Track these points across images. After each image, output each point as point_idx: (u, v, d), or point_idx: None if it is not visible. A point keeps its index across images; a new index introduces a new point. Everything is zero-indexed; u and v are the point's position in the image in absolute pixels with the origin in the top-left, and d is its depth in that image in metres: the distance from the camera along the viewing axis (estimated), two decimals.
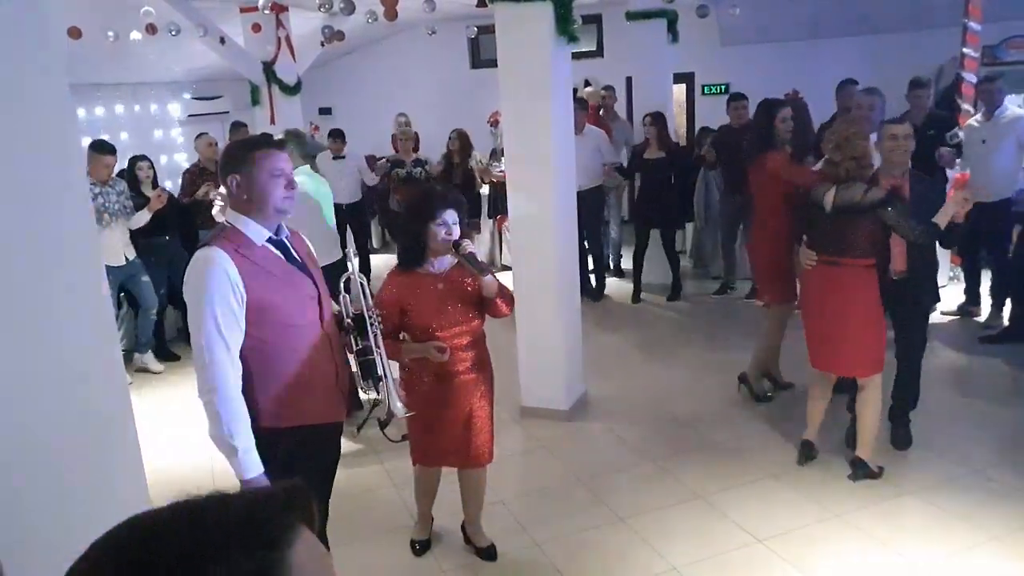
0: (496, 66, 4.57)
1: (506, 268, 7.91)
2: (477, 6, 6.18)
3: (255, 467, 2.23)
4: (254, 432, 2.28)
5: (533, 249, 4.63)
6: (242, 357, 2.27)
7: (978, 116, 5.65)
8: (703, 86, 10.23)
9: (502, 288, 3.11)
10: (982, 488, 3.74)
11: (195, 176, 6.53)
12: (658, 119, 6.77)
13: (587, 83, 9.19)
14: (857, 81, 6.43)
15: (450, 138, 7.56)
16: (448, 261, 3.07)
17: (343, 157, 7.54)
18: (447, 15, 9.06)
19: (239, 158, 2.31)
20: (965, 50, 6.82)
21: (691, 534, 3.53)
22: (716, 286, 7.24)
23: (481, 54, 11.40)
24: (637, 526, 3.62)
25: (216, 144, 6.61)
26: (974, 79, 6.86)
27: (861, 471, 3.84)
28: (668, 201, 6.84)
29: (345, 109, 11.78)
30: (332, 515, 2.67)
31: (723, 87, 10.02)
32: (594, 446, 4.48)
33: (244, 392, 2.30)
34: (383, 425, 2.78)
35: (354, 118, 10.81)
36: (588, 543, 3.53)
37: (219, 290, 2.19)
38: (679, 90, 10.28)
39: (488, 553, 3.46)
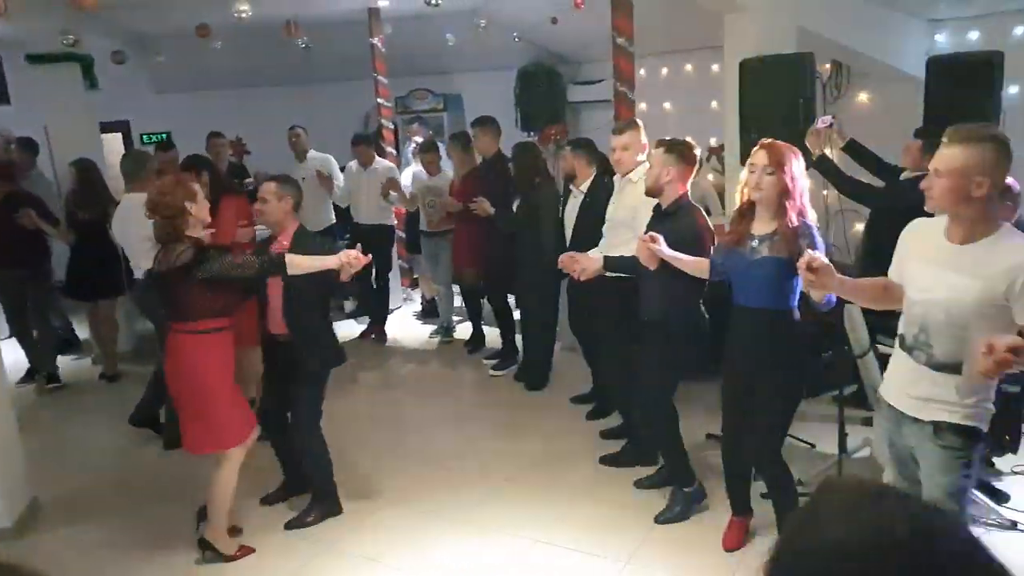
0: None
1: None
2: None
3: None
4: None
5: None
6: None
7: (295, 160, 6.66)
8: (142, 135, 9.63)
9: None
10: (441, 480, 4.23)
11: None
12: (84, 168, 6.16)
13: None
14: (222, 133, 6.75)
15: None
16: None
17: None
18: None
19: None
20: (380, 100, 7.76)
21: None
22: None
23: None
24: None
25: None
26: (391, 125, 7.84)
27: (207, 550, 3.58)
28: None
29: None
30: None
31: (164, 135, 9.57)
32: (56, 563, 3.75)
33: None
34: None
35: None
36: None
37: None
38: (115, 139, 9.50)
39: None
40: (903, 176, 4.52)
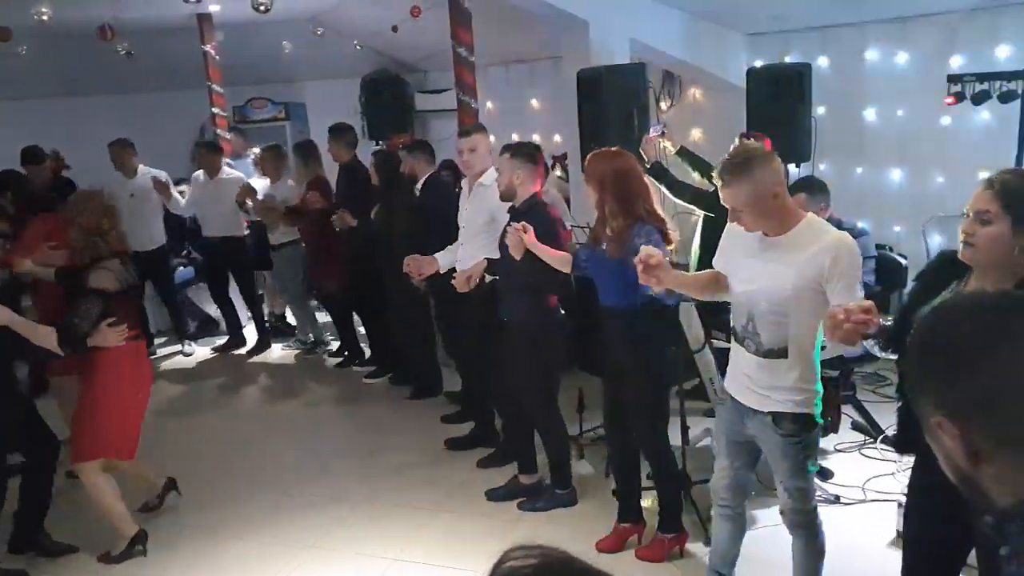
0: None
1: None
2: None
3: None
4: None
5: None
6: None
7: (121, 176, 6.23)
8: None
9: None
10: (288, 504, 4.04)
11: None
12: None
13: None
14: (39, 152, 6.12)
15: None
16: None
17: None
18: None
19: None
20: (214, 110, 7.37)
21: None
22: None
23: None
24: None
25: None
26: (227, 135, 7.47)
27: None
28: None
29: None
30: None
31: None
32: None
33: None
34: None
35: None
36: None
37: None
38: None
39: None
40: None
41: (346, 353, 6.23)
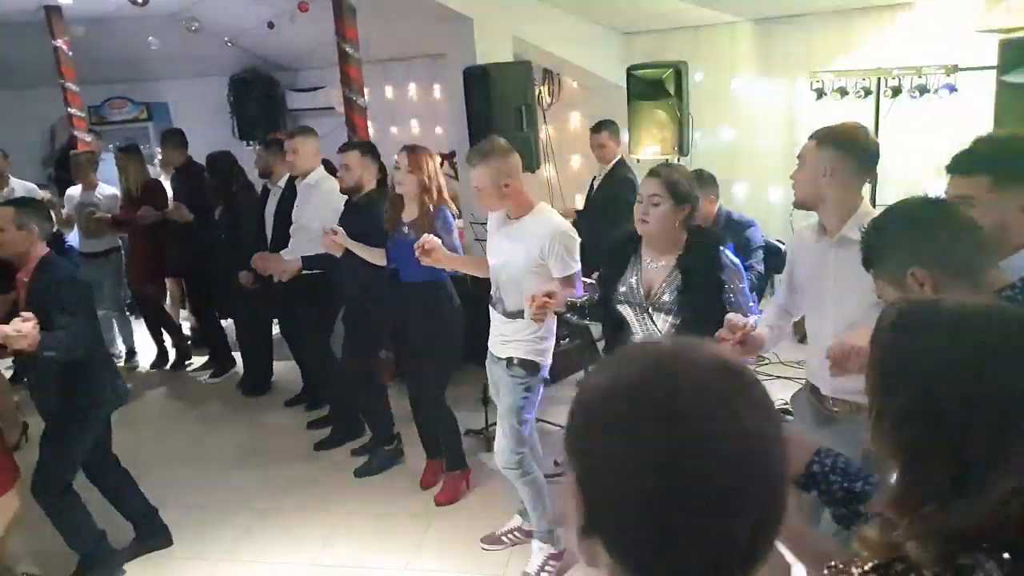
0: None
1: None
2: None
3: None
4: None
5: None
6: None
7: None
8: None
9: None
10: (189, 518, 3.84)
11: None
12: None
13: None
14: None
15: None
16: None
17: None
18: None
19: None
20: (71, 110, 6.84)
21: None
22: None
23: None
24: None
25: None
26: (88, 137, 6.95)
27: None
28: None
29: None
30: None
31: None
32: None
33: None
34: None
35: None
36: None
37: None
38: None
39: None
40: (604, 171, 5.07)
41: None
